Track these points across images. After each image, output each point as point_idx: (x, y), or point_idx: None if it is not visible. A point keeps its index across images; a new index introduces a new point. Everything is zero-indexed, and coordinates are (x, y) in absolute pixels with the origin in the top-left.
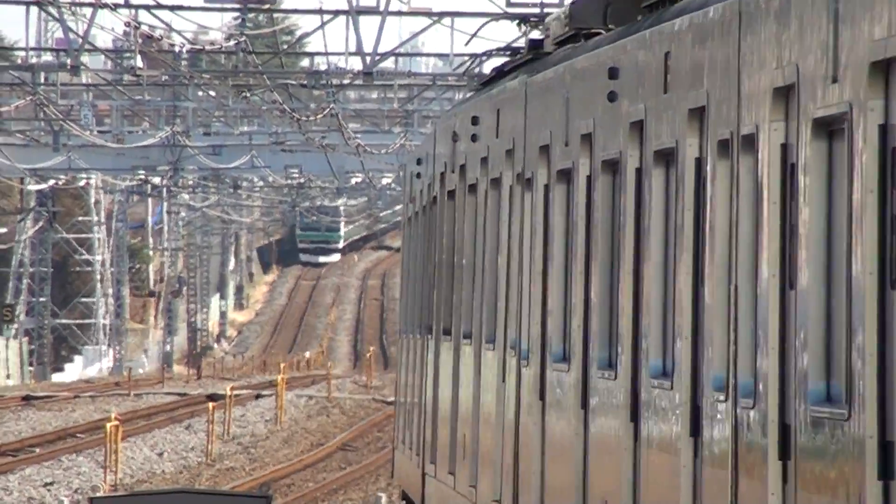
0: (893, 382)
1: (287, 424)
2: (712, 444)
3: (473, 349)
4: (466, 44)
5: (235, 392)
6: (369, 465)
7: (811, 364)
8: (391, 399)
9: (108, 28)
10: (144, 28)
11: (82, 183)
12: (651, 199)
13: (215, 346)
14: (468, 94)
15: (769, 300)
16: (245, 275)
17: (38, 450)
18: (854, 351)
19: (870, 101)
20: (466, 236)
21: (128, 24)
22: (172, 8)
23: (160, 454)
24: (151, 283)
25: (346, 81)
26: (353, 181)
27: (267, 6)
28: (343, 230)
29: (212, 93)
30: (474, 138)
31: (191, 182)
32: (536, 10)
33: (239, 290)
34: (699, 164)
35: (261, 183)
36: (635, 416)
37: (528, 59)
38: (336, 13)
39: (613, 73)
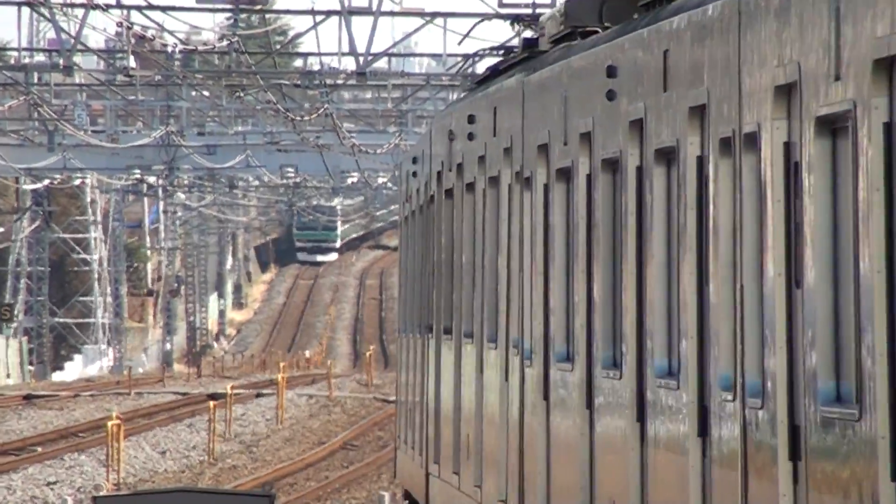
0: None
1: (288, 423)
2: (720, 444)
3: (475, 348)
4: (459, 43)
5: (236, 391)
6: (371, 463)
7: (820, 364)
8: (392, 398)
9: (100, 28)
10: (136, 28)
11: (78, 182)
12: (652, 198)
13: (214, 345)
14: (462, 94)
15: (775, 299)
16: (243, 274)
17: (39, 449)
18: (864, 350)
19: (874, 98)
20: (465, 235)
21: (120, 25)
22: (164, 8)
23: (162, 453)
24: (149, 282)
25: (339, 81)
26: (349, 181)
27: (259, 7)
28: (340, 229)
29: (205, 93)
30: (471, 137)
31: (186, 181)
32: (529, 10)
33: (237, 289)
34: (701, 162)
35: (256, 182)
36: (641, 416)
37: (523, 57)
38: (328, 13)
39: (612, 72)
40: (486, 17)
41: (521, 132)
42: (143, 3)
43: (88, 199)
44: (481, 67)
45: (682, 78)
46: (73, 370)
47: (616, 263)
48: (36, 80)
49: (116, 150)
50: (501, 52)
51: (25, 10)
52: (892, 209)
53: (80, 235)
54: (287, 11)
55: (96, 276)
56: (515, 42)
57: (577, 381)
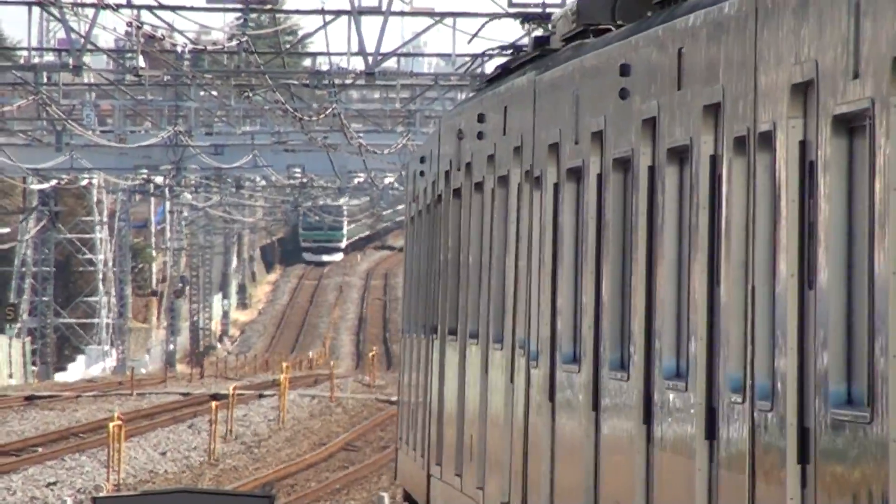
0: None
1: (290, 424)
2: (729, 446)
3: (480, 349)
4: (469, 42)
5: (238, 392)
6: (372, 464)
7: (831, 366)
8: (394, 398)
9: (109, 28)
10: (146, 28)
11: (84, 182)
12: (664, 198)
13: (218, 345)
14: (470, 94)
15: (787, 300)
16: (248, 274)
17: (41, 449)
18: (876, 352)
19: (892, 97)
20: (473, 235)
21: (130, 25)
22: (174, 8)
23: (163, 454)
24: (154, 282)
25: (348, 81)
26: (356, 181)
27: (269, 6)
28: (346, 229)
29: (214, 93)
30: (480, 136)
31: (193, 182)
32: (539, 10)
33: (241, 289)
34: (714, 161)
35: (263, 182)
36: (648, 418)
37: (534, 56)
38: (338, 13)
39: (625, 70)
40: (495, 16)
41: (531, 131)
42: (154, 3)
43: (95, 200)
44: (490, 67)
45: (696, 76)
46: (76, 371)
47: (625, 264)
48: (45, 80)
49: (124, 150)
50: (510, 51)
51: (36, 10)
52: None
53: (86, 236)
54: (297, 11)
55: (101, 276)
56: (525, 41)
57: (584, 382)
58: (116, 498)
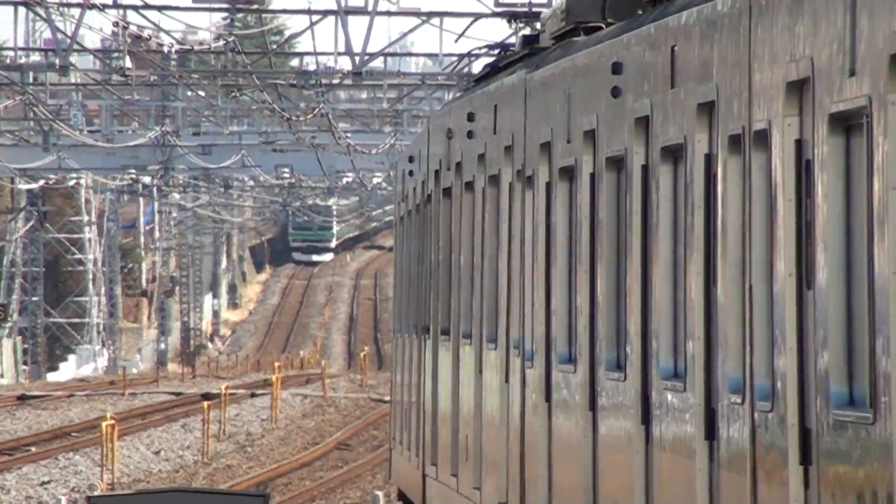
0: None
1: (283, 423)
2: (729, 447)
3: (474, 349)
4: (456, 41)
5: (230, 391)
6: (366, 463)
7: (832, 366)
8: (386, 397)
9: (96, 28)
10: (133, 28)
11: (73, 183)
12: (658, 197)
13: (209, 345)
14: (458, 94)
15: (786, 300)
16: (238, 274)
17: (34, 448)
18: (878, 352)
19: (890, 94)
20: (464, 234)
21: (116, 25)
22: (160, 8)
23: (156, 453)
24: (144, 282)
25: (335, 81)
26: (344, 181)
27: (255, 6)
28: (335, 229)
29: (201, 93)
30: (470, 135)
31: (181, 181)
32: (525, 9)
33: (232, 289)
34: (709, 160)
35: (251, 182)
36: (646, 419)
37: (524, 54)
38: (325, 13)
39: (617, 68)
40: (482, 16)
41: (522, 130)
42: (140, 3)
43: (83, 200)
44: (477, 67)
45: (690, 74)
46: (68, 370)
47: (620, 263)
48: (31, 80)
49: (112, 150)
50: (498, 50)
51: (22, 10)
52: None
53: (74, 236)
54: (283, 11)
55: (91, 276)
56: (512, 41)
57: (580, 382)
58: (111, 497)
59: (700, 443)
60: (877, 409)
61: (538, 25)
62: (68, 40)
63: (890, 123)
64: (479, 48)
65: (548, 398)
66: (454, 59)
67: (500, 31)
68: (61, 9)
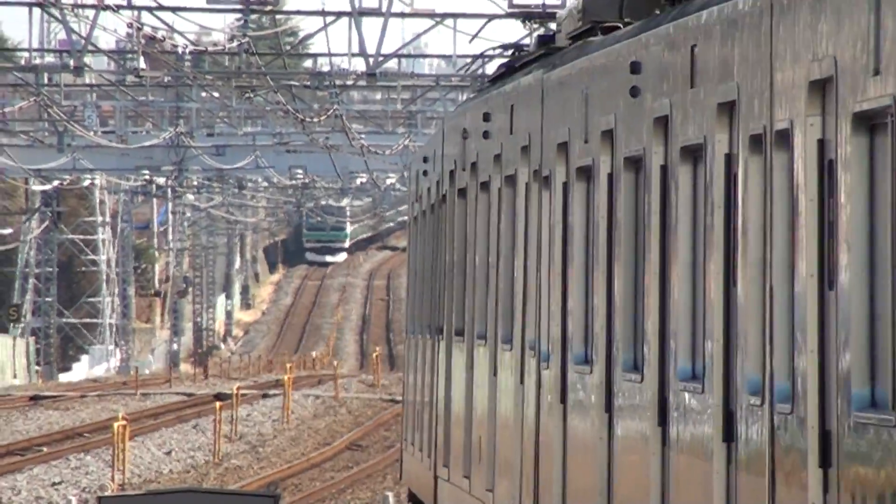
0: None
1: (294, 424)
2: (747, 449)
3: (488, 350)
4: (471, 41)
5: (242, 392)
6: (376, 464)
7: (854, 367)
8: (399, 398)
9: (110, 29)
10: (147, 29)
11: (87, 183)
12: (678, 197)
13: (221, 345)
14: (472, 95)
15: (807, 301)
16: (251, 275)
17: (45, 449)
18: None
19: None
20: (479, 235)
21: (130, 26)
22: (175, 9)
23: (168, 453)
24: (157, 283)
25: (349, 82)
26: (358, 181)
27: (269, 8)
28: (349, 230)
29: (215, 94)
30: (486, 135)
31: (195, 182)
32: (539, 10)
33: (245, 289)
34: (729, 160)
35: (265, 183)
36: (664, 420)
37: (540, 54)
38: (339, 14)
39: (636, 68)
40: (496, 17)
41: (539, 130)
42: (154, 4)
43: (97, 200)
44: (491, 68)
45: (710, 73)
46: (80, 371)
47: (638, 264)
48: (46, 81)
49: (126, 151)
50: (513, 51)
51: (36, 11)
52: None
53: (88, 236)
54: (297, 12)
55: (104, 276)
56: (526, 41)
57: (596, 383)
58: (122, 497)
59: (718, 445)
60: None
61: (553, 26)
62: (83, 41)
63: None
64: (493, 48)
65: (563, 399)
66: (468, 60)
67: (513, 32)
68: (76, 10)
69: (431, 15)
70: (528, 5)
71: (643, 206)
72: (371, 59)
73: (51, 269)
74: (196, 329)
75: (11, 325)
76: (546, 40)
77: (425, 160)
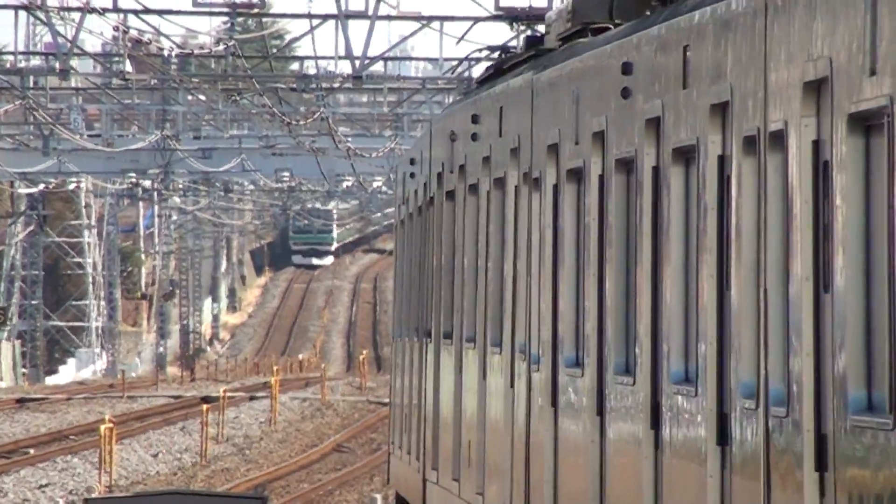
0: None
1: (281, 426)
2: (742, 453)
3: (478, 353)
4: (457, 44)
5: (229, 394)
6: (364, 466)
7: (850, 371)
8: (385, 400)
9: (96, 32)
10: (133, 32)
11: (72, 186)
12: (670, 199)
13: (208, 348)
14: (458, 97)
15: (802, 303)
16: (237, 277)
17: (32, 451)
18: None
19: None
20: (468, 237)
21: (116, 29)
22: (161, 12)
23: (155, 455)
24: (143, 286)
25: (335, 85)
26: (344, 184)
27: (256, 11)
28: (335, 233)
29: (201, 97)
30: (475, 137)
31: (181, 185)
32: (528, 11)
33: (231, 292)
34: (722, 161)
35: (251, 186)
36: (656, 424)
37: (529, 56)
38: (325, 17)
39: (627, 69)
40: (483, 18)
41: (529, 132)
42: (140, 7)
43: (83, 204)
44: (477, 71)
45: (703, 74)
46: (67, 374)
47: (630, 266)
48: (32, 84)
49: (112, 154)
50: (499, 52)
51: (22, 14)
52: None
53: (74, 239)
54: (284, 15)
55: (90, 279)
56: (513, 44)
57: (588, 386)
58: (109, 499)
59: (712, 448)
60: None
61: (541, 28)
62: (69, 44)
63: None
64: (479, 49)
65: (554, 402)
66: (454, 62)
67: (500, 34)
68: (62, 13)
69: (418, 18)
70: (515, 8)
71: (635, 208)
72: (357, 62)
73: (37, 273)
74: (183, 332)
75: None
76: (534, 42)
77: (412, 162)
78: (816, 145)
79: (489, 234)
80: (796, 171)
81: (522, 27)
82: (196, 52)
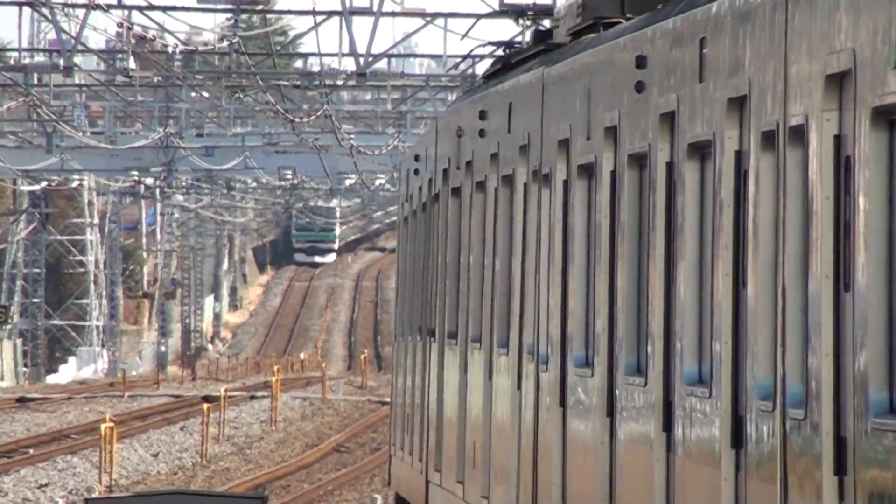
0: None
1: (282, 426)
2: (757, 456)
3: (484, 353)
4: (462, 38)
5: (230, 393)
6: (364, 466)
7: (871, 372)
8: (386, 399)
9: (100, 29)
10: (137, 29)
11: (75, 184)
12: (684, 195)
13: (209, 347)
14: (462, 94)
15: (822, 303)
16: (239, 276)
17: (32, 451)
18: None
19: None
20: (474, 234)
21: (120, 25)
22: (165, 9)
23: (155, 455)
24: (145, 284)
25: (339, 82)
26: (347, 182)
27: (260, 7)
28: (338, 231)
29: (205, 94)
30: (482, 133)
31: (184, 183)
32: (533, 7)
33: (233, 291)
34: (739, 157)
35: (254, 184)
36: (668, 425)
37: (538, 50)
38: (329, 14)
39: (641, 62)
40: (487, 15)
41: (539, 127)
42: (144, 4)
43: (86, 201)
44: (481, 67)
45: (720, 67)
46: (68, 372)
47: (642, 264)
48: (35, 82)
49: (115, 152)
50: (505, 48)
51: (26, 11)
52: None
53: (76, 237)
54: (288, 12)
55: (92, 278)
56: (518, 39)
57: (598, 386)
58: (109, 499)
59: (726, 451)
60: None
61: (546, 22)
62: (72, 41)
63: None
64: (483, 45)
65: (562, 403)
66: (458, 59)
67: (504, 30)
68: (66, 9)
69: (422, 14)
70: (520, 3)
71: (648, 205)
72: (361, 59)
73: (38, 271)
74: (184, 331)
75: None
76: (543, 36)
77: (416, 159)
78: (838, 140)
79: (497, 231)
80: (817, 167)
81: (528, 22)
82: (200, 49)
